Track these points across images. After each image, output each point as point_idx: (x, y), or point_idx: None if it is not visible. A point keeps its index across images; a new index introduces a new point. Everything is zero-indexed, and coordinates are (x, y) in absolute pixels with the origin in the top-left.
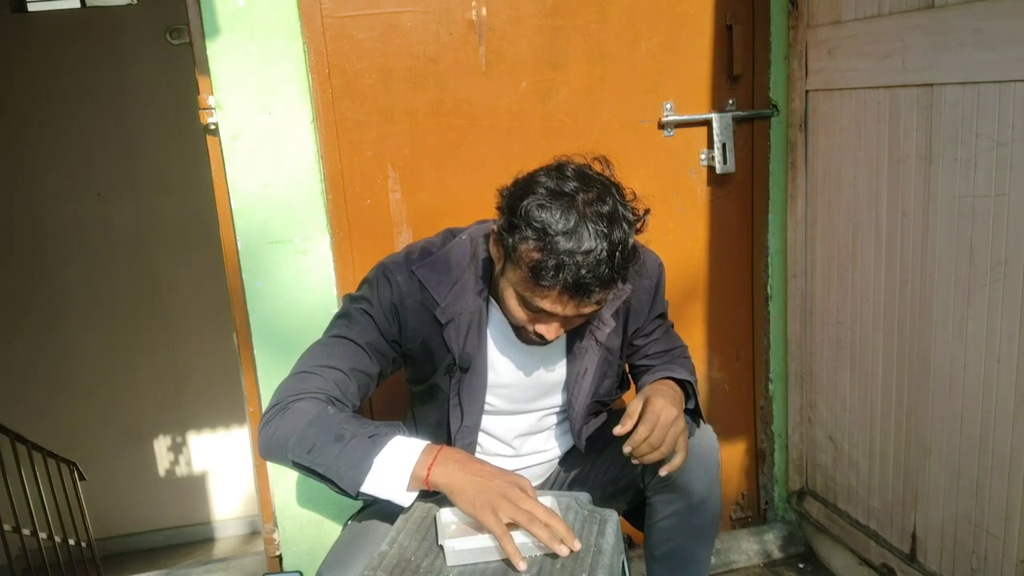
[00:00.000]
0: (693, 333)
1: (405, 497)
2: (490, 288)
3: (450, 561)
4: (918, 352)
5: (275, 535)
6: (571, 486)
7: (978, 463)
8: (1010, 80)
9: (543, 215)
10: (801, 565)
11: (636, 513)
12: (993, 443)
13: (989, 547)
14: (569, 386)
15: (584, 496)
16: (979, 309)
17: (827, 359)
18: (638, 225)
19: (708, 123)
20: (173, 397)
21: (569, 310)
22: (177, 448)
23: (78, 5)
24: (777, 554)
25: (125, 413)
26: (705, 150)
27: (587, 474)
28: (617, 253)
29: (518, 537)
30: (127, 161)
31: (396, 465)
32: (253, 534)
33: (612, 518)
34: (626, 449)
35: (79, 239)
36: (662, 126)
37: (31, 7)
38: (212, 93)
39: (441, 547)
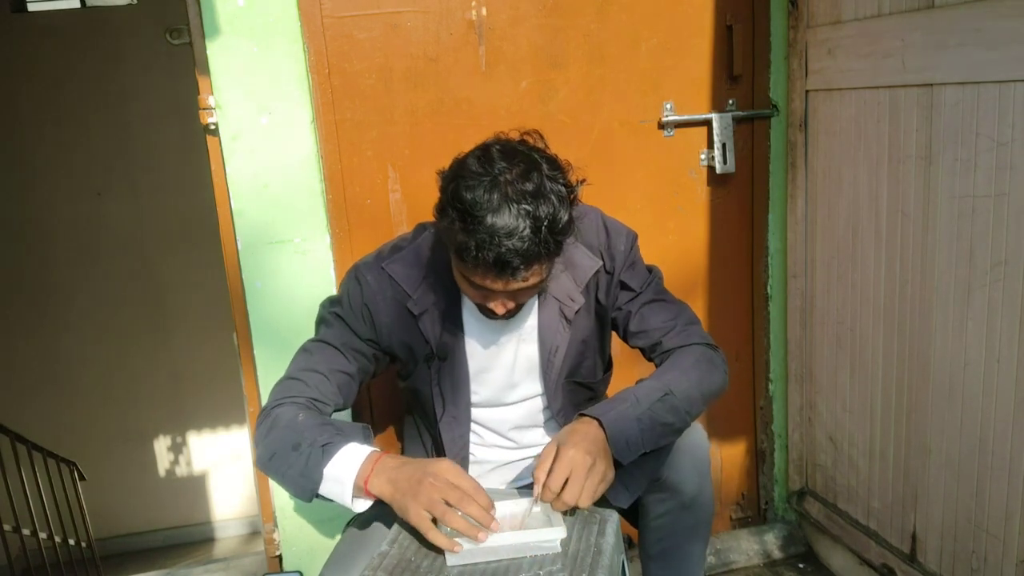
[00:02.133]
0: None
1: (357, 505)
2: None
3: (450, 561)
4: (918, 352)
5: (275, 535)
6: None
7: (978, 463)
8: (1010, 80)
9: (467, 196)
10: (801, 565)
11: (635, 511)
12: (993, 443)
13: (989, 547)
14: (543, 366)
15: None
16: (979, 309)
17: (827, 359)
18: (572, 197)
19: (708, 123)
20: (173, 397)
21: (499, 286)
22: (177, 448)
23: (78, 5)
24: (777, 554)
25: (125, 413)
26: (705, 150)
27: None
28: (544, 228)
29: (519, 536)
30: (127, 161)
31: (343, 476)
32: (253, 534)
33: (612, 518)
34: (536, 508)
35: (79, 239)
36: (662, 126)
37: (31, 7)
38: (212, 93)
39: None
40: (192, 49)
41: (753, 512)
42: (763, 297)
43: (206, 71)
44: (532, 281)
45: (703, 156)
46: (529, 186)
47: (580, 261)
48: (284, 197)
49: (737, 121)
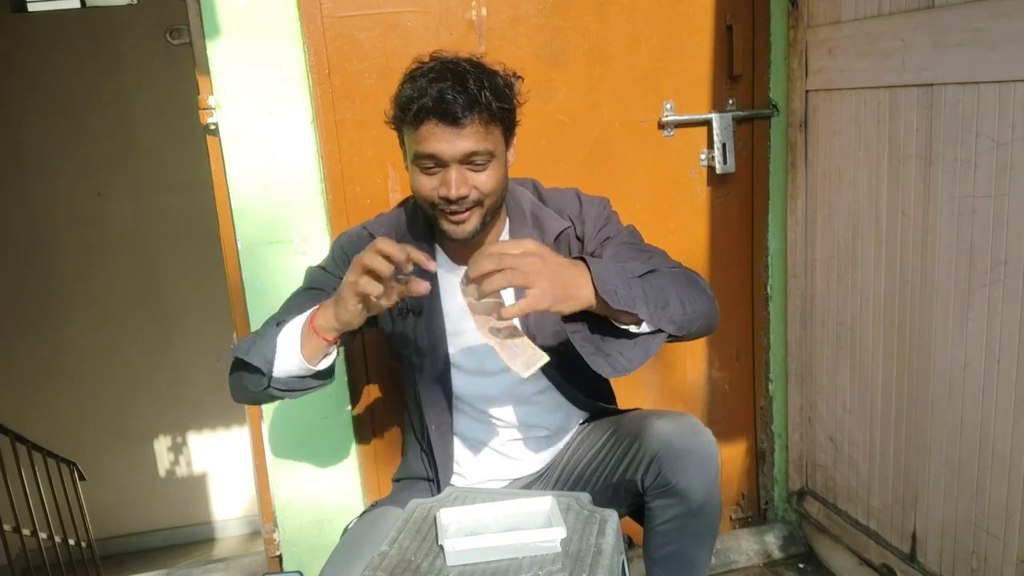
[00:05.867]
0: None
1: (307, 348)
2: (435, 234)
3: (450, 561)
4: (918, 352)
5: (275, 535)
6: (571, 487)
7: (978, 463)
8: (1010, 80)
9: (409, 77)
10: (801, 565)
11: (640, 512)
12: (993, 443)
13: (989, 547)
14: (523, 329)
15: (584, 496)
16: (979, 309)
17: (827, 359)
18: (511, 86)
19: (708, 123)
20: (173, 397)
21: (446, 142)
22: (177, 448)
23: (78, 5)
24: (777, 554)
25: (125, 413)
26: (705, 150)
27: (587, 479)
28: (484, 84)
29: (519, 536)
30: (127, 161)
31: (293, 334)
32: (253, 534)
33: (612, 518)
34: (462, 284)
35: (79, 239)
36: (662, 126)
37: (31, 7)
38: (212, 93)
39: (441, 547)
40: (192, 49)
41: (753, 512)
42: (763, 297)
43: (206, 71)
44: (478, 140)
45: (703, 156)
46: (465, 62)
47: (548, 225)
48: (284, 197)
49: (737, 121)
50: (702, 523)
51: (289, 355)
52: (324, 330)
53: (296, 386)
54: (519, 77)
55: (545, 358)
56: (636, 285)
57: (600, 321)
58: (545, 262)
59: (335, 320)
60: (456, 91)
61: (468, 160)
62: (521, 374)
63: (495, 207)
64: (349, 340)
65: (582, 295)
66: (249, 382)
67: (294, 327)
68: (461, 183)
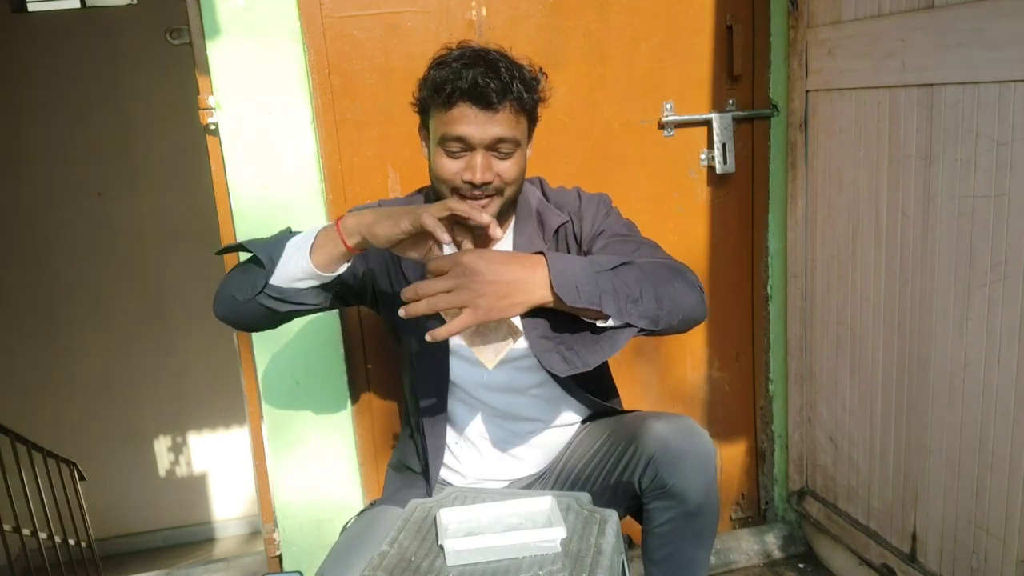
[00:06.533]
0: (693, 333)
1: (317, 256)
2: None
3: (450, 561)
4: (918, 352)
5: (275, 535)
6: (569, 489)
7: (978, 463)
8: (1010, 80)
9: (439, 63)
10: (801, 565)
11: (640, 513)
12: (993, 443)
13: (989, 547)
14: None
15: (584, 496)
16: (979, 309)
17: (827, 359)
18: (537, 80)
19: (708, 123)
20: (173, 397)
21: (477, 126)
22: (177, 448)
23: (78, 5)
24: (777, 554)
25: (125, 413)
26: (705, 150)
27: (585, 480)
28: (511, 65)
29: (519, 536)
30: (127, 161)
31: (305, 239)
32: (253, 534)
33: (612, 518)
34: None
35: (79, 239)
36: (662, 126)
37: (31, 7)
38: (212, 93)
39: (441, 547)
40: (192, 49)
41: (753, 512)
42: (763, 297)
43: (206, 71)
44: (507, 127)
45: (703, 156)
46: (495, 52)
47: (549, 220)
48: (284, 197)
49: (737, 121)
50: (700, 524)
51: (296, 258)
52: (349, 232)
53: (290, 297)
54: (544, 74)
55: (511, 343)
56: (605, 279)
57: (565, 315)
58: (478, 277)
59: (369, 227)
60: (489, 77)
61: (495, 147)
62: (487, 365)
63: (512, 198)
64: (335, 290)
65: (531, 298)
66: (244, 282)
67: (308, 234)
68: (486, 168)
